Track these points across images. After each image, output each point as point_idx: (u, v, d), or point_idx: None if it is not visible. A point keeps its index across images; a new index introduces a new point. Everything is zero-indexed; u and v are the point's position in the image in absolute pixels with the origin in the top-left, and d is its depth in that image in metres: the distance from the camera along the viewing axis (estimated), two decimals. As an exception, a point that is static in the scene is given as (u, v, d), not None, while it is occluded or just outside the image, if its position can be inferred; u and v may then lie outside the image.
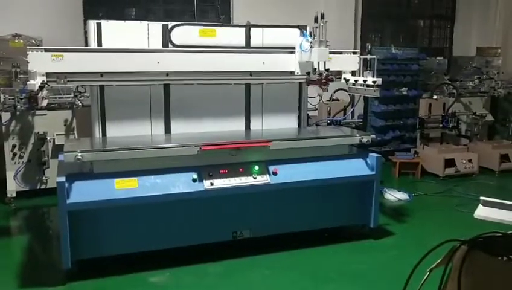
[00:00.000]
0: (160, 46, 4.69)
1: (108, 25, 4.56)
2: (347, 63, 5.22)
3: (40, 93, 4.01)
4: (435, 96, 8.35)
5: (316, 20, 4.69)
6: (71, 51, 4.25)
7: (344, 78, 5.28)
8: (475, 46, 9.96)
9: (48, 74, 4.16)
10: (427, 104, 8.14)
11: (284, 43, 4.95)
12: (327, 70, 4.70)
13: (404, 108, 8.58)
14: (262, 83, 5.03)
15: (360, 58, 5.24)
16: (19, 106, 5.92)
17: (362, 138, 4.81)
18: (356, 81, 5.13)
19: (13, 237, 5.32)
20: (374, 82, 4.84)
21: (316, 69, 4.74)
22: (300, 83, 5.17)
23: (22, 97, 5.82)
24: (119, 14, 7.85)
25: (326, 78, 4.70)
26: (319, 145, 4.73)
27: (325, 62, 4.69)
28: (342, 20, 8.71)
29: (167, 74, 4.53)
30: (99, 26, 4.53)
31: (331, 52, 5.01)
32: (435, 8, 10.40)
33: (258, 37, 4.96)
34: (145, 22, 4.72)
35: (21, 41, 6.39)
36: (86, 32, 5.26)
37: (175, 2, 8.34)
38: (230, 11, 8.42)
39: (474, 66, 9.41)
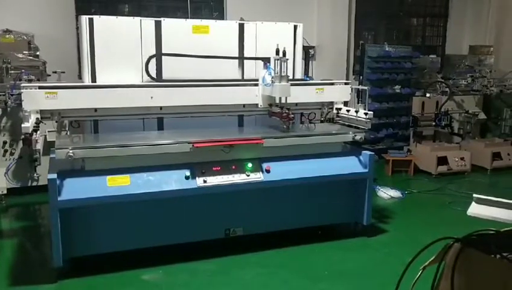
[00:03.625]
0: (153, 42, 4.67)
1: (100, 21, 4.52)
2: (339, 93, 5.26)
3: (34, 135, 4.04)
4: (428, 95, 8.37)
5: (277, 53, 4.61)
6: (65, 88, 4.32)
7: (336, 109, 5.30)
8: (468, 45, 10.00)
9: (41, 111, 4.23)
10: (420, 102, 8.15)
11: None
12: (288, 109, 4.62)
13: (397, 106, 8.62)
14: (255, 115, 5.09)
15: (353, 89, 5.35)
16: (9, 102, 5.85)
17: (355, 135, 4.81)
18: (348, 111, 5.19)
19: (4, 234, 5.26)
20: (365, 114, 4.87)
21: (277, 104, 4.70)
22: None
23: (13, 93, 5.76)
24: (112, 10, 7.79)
25: (287, 115, 4.60)
26: (312, 143, 4.72)
27: (286, 98, 4.62)
28: (335, 18, 8.72)
29: (161, 108, 4.63)
30: (91, 21, 4.49)
31: (323, 84, 5.14)
32: (428, 6, 10.42)
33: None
34: (137, 18, 4.70)
35: (12, 36, 6.32)
36: (78, 28, 5.21)
37: (168, -1, 8.30)
38: (224, 8, 8.39)
39: (467, 65, 9.45)
